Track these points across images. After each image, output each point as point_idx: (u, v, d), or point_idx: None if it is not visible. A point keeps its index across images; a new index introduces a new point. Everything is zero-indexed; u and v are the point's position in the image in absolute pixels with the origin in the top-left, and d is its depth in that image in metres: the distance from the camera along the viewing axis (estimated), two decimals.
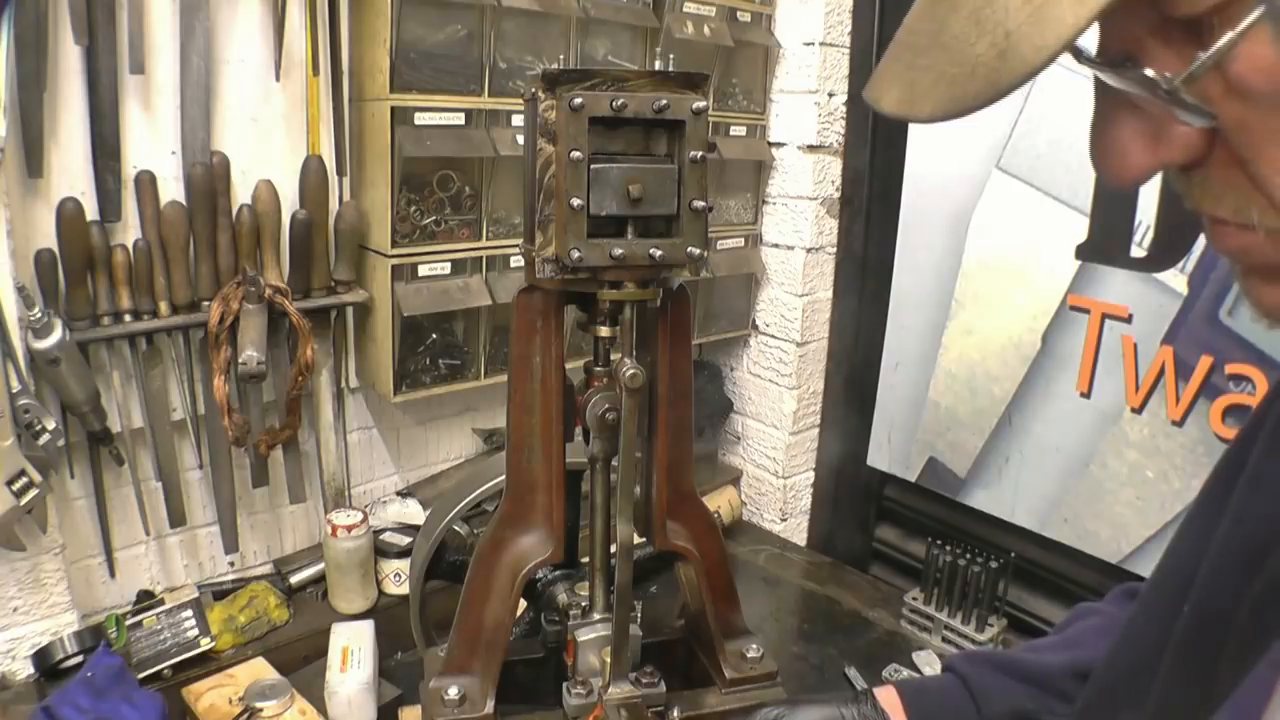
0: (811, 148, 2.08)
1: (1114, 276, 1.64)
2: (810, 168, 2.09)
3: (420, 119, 1.52)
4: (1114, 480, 1.69)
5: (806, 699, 0.85)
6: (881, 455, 2.13)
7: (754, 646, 0.98)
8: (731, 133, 2.05)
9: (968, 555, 1.78)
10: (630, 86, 0.75)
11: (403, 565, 1.69)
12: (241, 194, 1.49)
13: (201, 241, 1.44)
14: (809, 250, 2.14)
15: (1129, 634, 0.65)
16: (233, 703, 1.38)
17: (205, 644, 1.47)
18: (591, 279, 0.78)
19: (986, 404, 1.89)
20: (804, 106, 2.07)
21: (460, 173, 1.62)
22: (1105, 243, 1.65)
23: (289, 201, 1.53)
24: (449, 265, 1.63)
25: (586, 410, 0.86)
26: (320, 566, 1.71)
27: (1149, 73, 0.38)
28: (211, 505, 1.63)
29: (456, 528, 1.55)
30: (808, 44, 2.04)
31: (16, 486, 1.27)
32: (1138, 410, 1.63)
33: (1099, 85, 0.43)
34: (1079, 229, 1.69)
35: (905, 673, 1.70)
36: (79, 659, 1.40)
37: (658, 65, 0.84)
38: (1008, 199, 1.79)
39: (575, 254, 0.75)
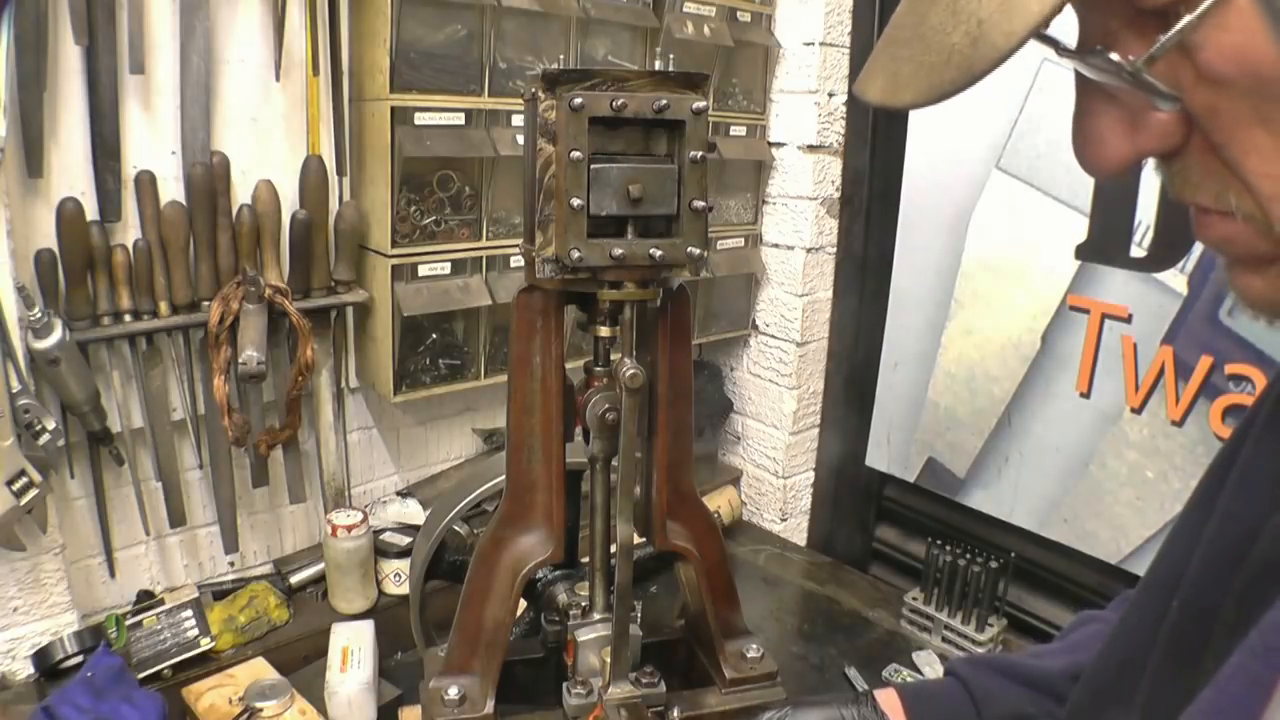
0: (811, 148, 2.08)
1: (1114, 276, 1.64)
2: (810, 168, 2.09)
3: (420, 119, 1.52)
4: (1114, 480, 1.69)
5: (807, 700, 0.85)
6: (881, 455, 2.13)
7: (754, 646, 0.97)
8: (731, 133, 2.05)
9: (967, 555, 1.78)
10: (630, 86, 0.75)
11: (403, 565, 1.69)
12: (241, 194, 1.49)
13: (201, 241, 1.44)
14: (809, 250, 2.14)
15: (1119, 633, 0.66)
16: (233, 703, 1.38)
17: (205, 644, 1.47)
18: (591, 279, 0.78)
19: (986, 404, 1.89)
20: (804, 106, 2.07)
21: (460, 173, 1.62)
22: (1105, 243, 1.65)
23: (289, 201, 1.53)
24: (449, 265, 1.63)
25: (586, 410, 0.86)
26: (320, 566, 1.71)
27: (1113, 57, 0.39)
28: (211, 505, 1.63)
29: (456, 528, 1.55)
30: (808, 44, 2.04)
31: (16, 486, 1.27)
32: (1137, 410, 1.63)
33: (1079, 78, 0.44)
34: (1079, 229, 1.69)
35: (905, 673, 1.70)
36: (79, 659, 1.40)
37: (658, 65, 0.84)
38: (1008, 199, 1.79)
39: (575, 254, 0.75)
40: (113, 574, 1.54)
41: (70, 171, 1.35)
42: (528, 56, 1.66)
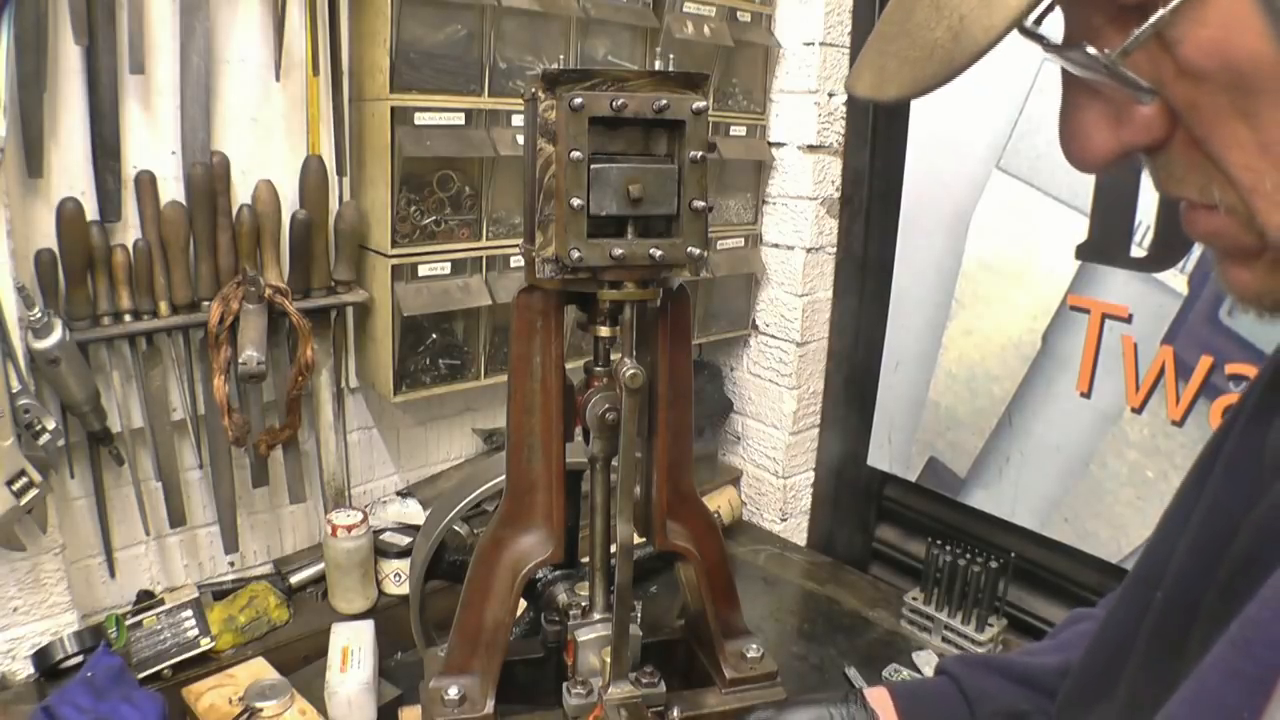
0: (811, 148, 2.08)
1: (1114, 276, 1.64)
2: (810, 168, 2.09)
3: (420, 119, 1.52)
4: (1114, 480, 1.69)
5: (796, 700, 0.85)
6: (882, 455, 2.13)
7: (754, 646, 0.97)
8: (731, 133, 2.05)
9: (968, 555, 1.78)
10: (630, 86, 0.75)
11: (403, 565, 1.69)
12: (241, 194, 1.49)
13: (201, 241, 1.44)
14: (809, 250, 2.14)
15: (1106, 626, 0.66)
16: (233, 703, 1.38)
17: (205, 644, 1.47)
18: (591, 279, 0.78)
19: (986, 404, 1.89)
20: (804, 106, 2.07)
21: (460, 173, 1.62)
22: (1105, 243, 1.65)
23: (289, 201, 1.53)
24: (449, 265, 1.63)
25: (586, 410, 0.86)
26: (320, 566, 1.71)
27: (1091, 50, 0.41)
28: (211, 505, 1.63)
29: (456, 528, 1.55)
30: (808, 44, 2.04)
31: (16, 486, 1.27)
32: (1138, 410, 1.63)
33: (1064, 74, 0.46)
34: (1079, 229, 1.69)
35: (905, 673, 1.70)
36: (79, 659, 1.40)
37: (658, 65, 0.84)
38: (1008, 199, 1.79)
39: (575, 254, 0.75)
40: (113, 574, 1.54)
41: (70, 171, 1.35)
42: (528, 56, 1.66)
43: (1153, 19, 0.38)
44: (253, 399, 1.56)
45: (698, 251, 0.78)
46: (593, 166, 0.75)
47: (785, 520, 2.33)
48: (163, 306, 1.44)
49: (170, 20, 1.39)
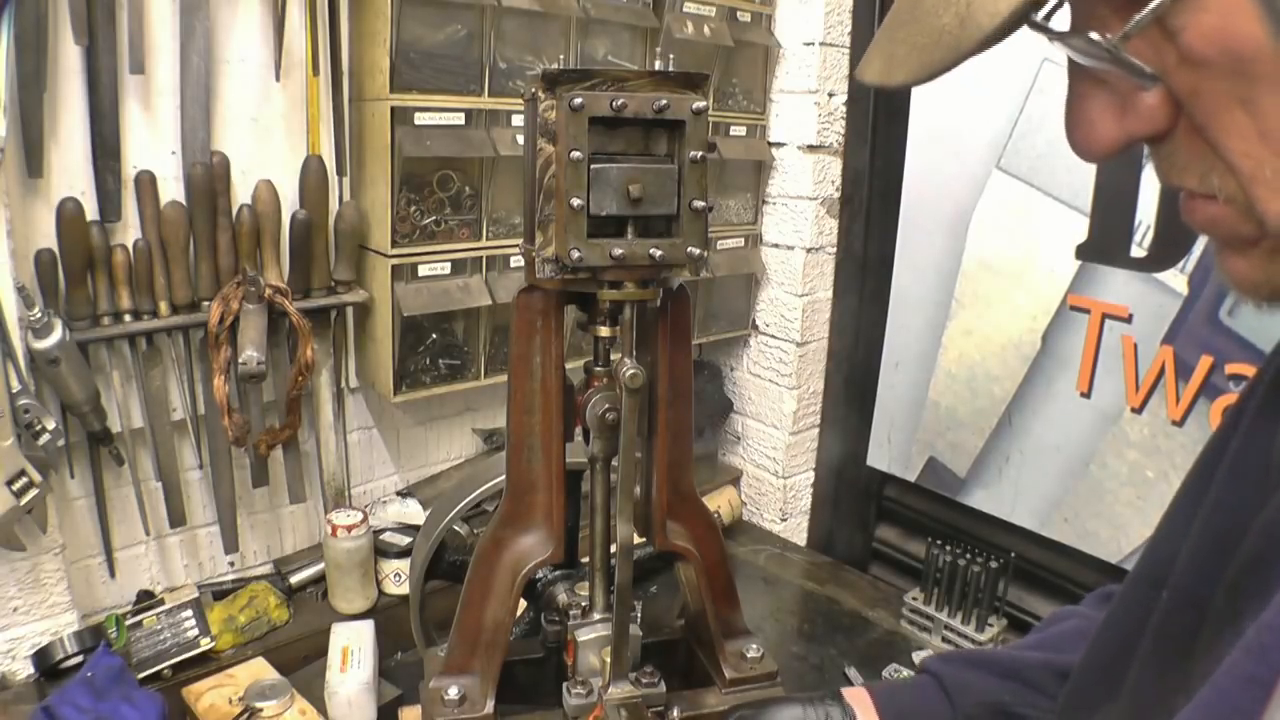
0: (811, 148, 2.08)
1: (1114, 276, 1.64)
2: (810, 168, 2.09)
3: (420, 119, 1.52)
4: (1114, 480, 1.69)
5: (775, 700, 0.85)
6: (881, 455, 2.13)
7: (754, 646, 0.97)
8: (731, 133, 2.05)
9: (968, 555, 1.77)
10: (630, 86, 0.75)
11: (403, 565, 1.69)
12: (241, 194, 1.49)
13: (201, 241, 1.44)
14: (809, 250, 2.14)
15: (1108, 625, 0.65)
16: (233, 703, 1.38)
17: (205, 644, 1.47)
18: (591, 279, 0.78)
19: (986, 404, 1.89)
20: (804, 106, 2.07)
21: (460, 173, 1.62)
22: (1105, 243, 1.65)
23: (289, 201, 1.53)
24: (449, 265, 1.63)
25: (586, 410, 0.86)
26: (320, 566, 1.71)
27: (1093, 36, 0.41)
28: (211, 505, 1.63)
29: (456, 528, 1.55)
30: (808, 44, 2.04)
31: (16, 486, 1.27)
32: (1138, 410, 1.63)
33: (1070, 63, 0.46)
34: (1079, 229, 1.69)
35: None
36: (79, 659, 1.40)
37: (658, 65, 0.84)
38: (1008, 199, 1.79)
39: (575, 254, 0.75)
40: (113, 574, 1.54)
41: (70, 171, 1.35)
42: (528, 56, 1.66)
43: (1154, 3, 0.39)
44: (253, 399, 1.56)
45: (698, 251, 0.78)
46: (593, 166, 0.75)
47: (785, 520, 2.33)
48: (163, 306, 1.44)
49: (170, 20, 1.39)
